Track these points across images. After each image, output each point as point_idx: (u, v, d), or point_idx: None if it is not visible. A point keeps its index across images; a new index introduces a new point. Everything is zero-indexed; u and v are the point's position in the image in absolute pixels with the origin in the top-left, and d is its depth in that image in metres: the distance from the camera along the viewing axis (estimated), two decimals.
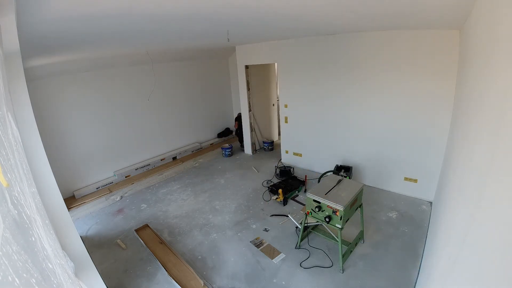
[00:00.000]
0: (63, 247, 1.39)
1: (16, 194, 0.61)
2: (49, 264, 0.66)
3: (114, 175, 4.85)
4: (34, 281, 0.54)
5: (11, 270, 0.46)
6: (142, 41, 3.04)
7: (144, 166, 5.19)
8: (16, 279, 0.47)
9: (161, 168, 5.31)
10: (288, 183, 4.32)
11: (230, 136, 6.78)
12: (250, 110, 5.70)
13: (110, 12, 1.54)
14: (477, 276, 0.85)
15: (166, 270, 2.72)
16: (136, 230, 3.42)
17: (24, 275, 0.50)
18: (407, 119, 3.60)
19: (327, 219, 2.48)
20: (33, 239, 0.63)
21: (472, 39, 1.93)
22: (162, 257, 2.92)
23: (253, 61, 5.24)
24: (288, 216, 3.53)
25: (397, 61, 3.48)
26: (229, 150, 5.79)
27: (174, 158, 5.66)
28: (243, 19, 2.17)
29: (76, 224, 3.69)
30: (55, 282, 0.66)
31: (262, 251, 2.98)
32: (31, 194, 0.76)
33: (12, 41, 1.24)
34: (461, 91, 2.42)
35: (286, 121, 5.10)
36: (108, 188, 4.60)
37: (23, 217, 0.60)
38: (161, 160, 5.46)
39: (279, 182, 4.45)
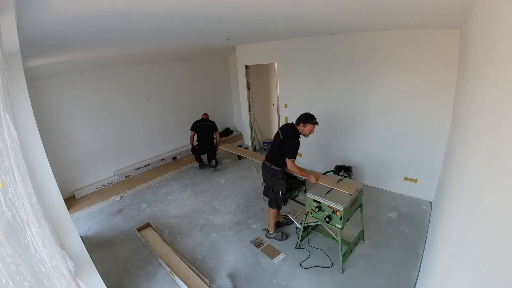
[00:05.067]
0: (63, 247, 1.39)
1: (10, 196, 0.60)
2: (41, 267, 0.66)
3: (114, 175, 4.85)
4: (27, 284, 0.54)
5: (4, 273, 0.46)
6: (142, 41, 3.04)
7: (144, 166, 5.19)
8: (10, 282, 0.47)
9: (161, 168, 5.30)
10: (288, 183, 4.29)
11: (230, 136, 6.77)
12: (250, 110, 5.70)
13: (110, 12, 1.54)
14: (477, 276, 0.85)
15: (169, 268, 2.71)
16: (138, 229, 3.41)
17: (17, 277, 0.50)
18: (407, 119, 3.60)
19: (327, 219, 2.48)
20: (26, 242, 0.62)
21: (472, 39, 1.93)
22: (163, 256, 2.92)
23: (253, 61, 5.23)
24: (288, 216, 3.52)
25: (397, 61, 3.48)
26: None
27: (174, 158, 5.66)
28: (243, 19, 2.17)
29: (76, 224, 3.69)
30: (48, 285, 0.66)
31: (262, 251, 2.98)
32: (28, 195, 0.76)
33: (12, 41, 1.24)
34: (461, 91, 2.41)
35: (286, 121, 5.10)
36: (108, 188, 4.60)
37: (16, 220, 0.60)
38: (161, 160, 5.45)
39: None
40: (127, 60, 4.51)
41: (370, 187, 4.15)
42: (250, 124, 5.79)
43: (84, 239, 3.30)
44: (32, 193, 0.81)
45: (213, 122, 5.06)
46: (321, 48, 4.15)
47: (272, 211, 3.03)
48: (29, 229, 0.65)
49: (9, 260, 0.49)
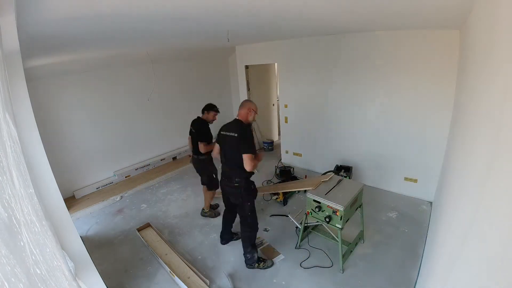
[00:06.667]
0: (63, 247, 1.39)
1: (7, 197, 0.60)
2: (37, 270, 0.66)
3: (114, 175, 4.85)
4: (22, 286, 0.54)
5: (0, 274, 0.46)
6: (142, 41, 3.04)
7: (144, 166, 5.19)
8: (5, 283, 0.47)
9: (161, 168, 5.31)
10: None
11: None
12: None
13: (109, 12, 1.54)
14: (477, 276, 0.85)
15: (169, 268, 2.71)
16: (138, 229, 3.41)
17: (13, 279, 0.50)
18: (407, 119, 3.60)
19: (327, 219, 2.48)
20: (22, 243, 0.62)
21: (472, 39, 1.93)
22: (163, 256, 2.92)
23: (253, 61, 5.24)
24: (288, 216, 3.52)
25: (397, 61, 3.48)
26: None
27: (174, 158, 5.66)
28: (243, 19, 2.17)
29: (76, 224, 3.69)
30: (43, 287, 0.66)
31: (262, 251, 2.98)
32: (28, 195, 0.76)
33: (12, 41, 1.23)
34: (461, 90, 2.42)
35: (286, 121, 5.10)
36: (108, 188, 4.60)
37: (12, 221, 0.60)
38: (161, 160, 5.45)
39: (279, 182, 4.45)
40: (127, 60, 4.51)
41: (370, 187, 4.14)
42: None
43: (84, 239, 3.30)
44: (33, 193, 0.81)
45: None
46: (321, 48, 4.15)
47: None
48: (25, 230, 0.65)
49: (4, 261, 0.49)
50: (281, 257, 2.88)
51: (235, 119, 2.64)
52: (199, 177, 3.73)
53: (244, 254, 2.76)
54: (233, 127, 2.58)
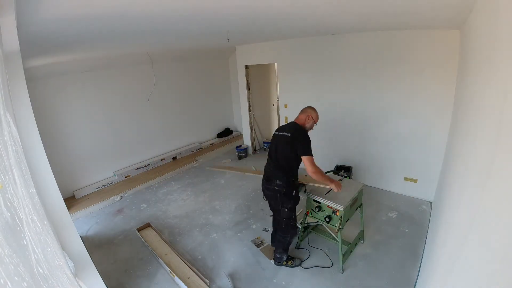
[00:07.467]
0: (63, 247, 1.39)
1: (10, 196, 0.60)
2: (39, 269, 0.66)
3: (114, 175, 4.85)
4: (26, 284, 0.54)
5: (3, 273, 0.46)
6: (142, 41, 3.04)
7: (144, 166, 5.19)
8: (8, 282, 0.47)
9: (161, 168, 5.31)
10: None
11: (230, 136, 6.78)
12: (250, 110, 5.70)
13: (109, 13, 1.54)
14: (477, 276, 0.85)
15: (169, 269, 2.71)
16: (138, 229, 3.41)
17: (16, 278, 0.50)
18: (407, 119, 3.60)
19: (327, 219, 2.48)
20: (25, 242, 0.62)
21: (472, 39, 1.93)
22: (163, 256, 2.92)
23: (253, 61, 5.24)
24: None
25: (397, 61, 3.48)
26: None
27: (174, 158, 5.66)
28: (243, 19, 2.17)
29: (76, 224, 3.69)
30: (45, 286, 0.66)
31: (262, 251, 2.98)
32: (29, 195, 0.76)
33: (12, 41, 1.24)
34: (461, 90, 2.42)
35: (286, 121, 5.09)
36: (108, 188, 4.60)
37: (15, 220, 0.60)
38: (161, 160, 5.45)
39: None
40: (127, 60, 4.51)
41: (370, 187, 4.15)
42: (250, 124, 5.79)
43: (84, 239, 3.30)
44: (34, 192, 0.82)
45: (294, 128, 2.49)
46: (321, 48, 4.15)
47: None
48: (28, 229, 0.65)
49: (8, 261, 0.49)
50: None
51: (292, 121, 2.56)
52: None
53: (274, 252, 2.77)
54: (287, 127, 2.49)
